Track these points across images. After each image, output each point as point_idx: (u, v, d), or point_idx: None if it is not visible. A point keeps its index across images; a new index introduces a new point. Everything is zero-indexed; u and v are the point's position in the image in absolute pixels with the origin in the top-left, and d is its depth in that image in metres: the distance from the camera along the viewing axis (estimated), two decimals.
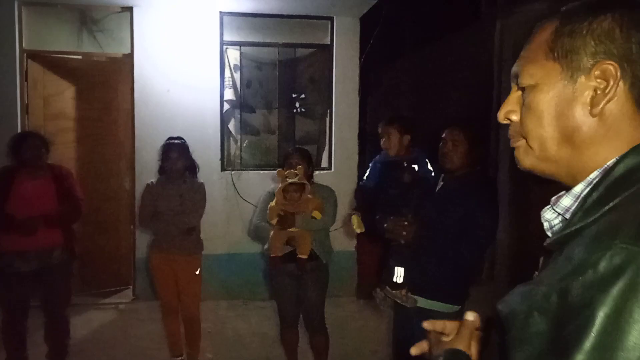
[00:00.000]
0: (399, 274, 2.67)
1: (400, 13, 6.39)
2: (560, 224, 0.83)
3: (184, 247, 3.73)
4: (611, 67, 0.74)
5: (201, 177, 5.25)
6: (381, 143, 2.86)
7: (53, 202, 3.51)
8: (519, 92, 0.85)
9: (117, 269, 5.60)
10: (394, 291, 2.68)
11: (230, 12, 5.27)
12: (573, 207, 0.79)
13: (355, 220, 3.00)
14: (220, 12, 5.23)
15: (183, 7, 5.13)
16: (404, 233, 2.62)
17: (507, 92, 3.42)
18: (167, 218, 3.70)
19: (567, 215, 0.80)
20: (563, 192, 0.84)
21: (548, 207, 0.85)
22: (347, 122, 5.53)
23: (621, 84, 0.75)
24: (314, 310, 3.56)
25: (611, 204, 0.70)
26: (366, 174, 2.95)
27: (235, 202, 5.39)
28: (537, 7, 5.69)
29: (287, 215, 3.33)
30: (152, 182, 3.88)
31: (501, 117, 0.88)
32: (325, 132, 5.64)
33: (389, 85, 8.45)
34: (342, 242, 5.24)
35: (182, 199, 3.72)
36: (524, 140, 0.84)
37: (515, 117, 0.86)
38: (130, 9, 5.15)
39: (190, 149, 3.99)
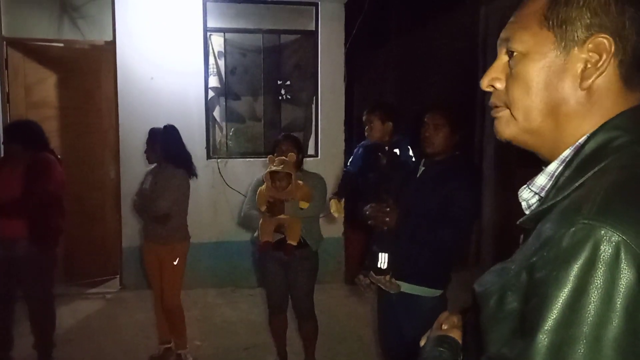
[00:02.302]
0: (382, 260, 2.67)
1: None
2: (537, 203, 0.83)
3: (160, 235, 3.70)
4: (606, 41, 0.74)
5: None
6: (365, 130, 2.87)
7: (17, 192, 3.39)
8: (506, 60, 0.84)
9: (104, 258, 5.58)
10: (378, 277, 2.69)
11: None
12: (548, 186, 0.80)
13: (333, 204, 3.01)
14: None
15: None
16: (386, 219, 2.63)
17: None
18: (140, 204, 3.78)
19: (543, 194, 0.80)
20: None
21: (524, 186, 0.85)
22: (333, 108, 5.52)
23: (612, 59, 0.74)
24: (304, 298, 3.58)
25: (580, 181, 0.71)
26: (350, 160, 2.95)
27: (222, 190, 5.38)
28: None
29: (276, 202, 3.33)
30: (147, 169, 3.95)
31: (484, 84, 0.86)
32: (311, 119, 5.63)
33: (374, 72, 8.44)
34: (329, 229, 5.25)
35: (155, 186, 3.70)
36: (507, 110, 0.83)
37: (499, 85, 0.84)
38: None
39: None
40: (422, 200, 2.65)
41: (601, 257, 0.61)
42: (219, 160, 5.39)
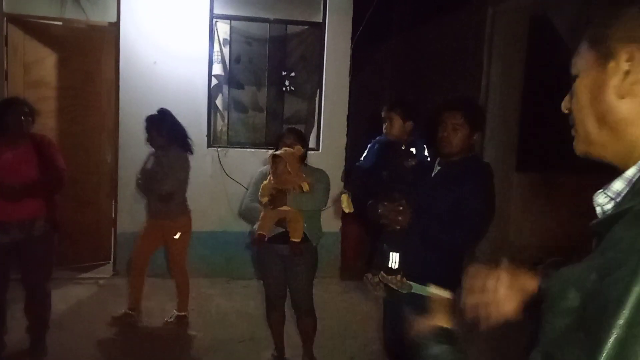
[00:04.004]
0: (394, 260, 2.64)
1: None
2: (611, 208, 0.84)
3: (167, 212, 4.11)
4: (637, 50, 0.78)
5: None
6: (383, 127, 2.82)
7: (34, 171, 3.38)
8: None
9: (96, 243, 5.49)
10: (389, 277, 2.65)
11: None
12: (625, 191, 0.81)
13: (345, 199, 2.96)
14: None
15: None
16: (399, 219, 2.59)
17: (497, 78, 3.42)
18: (145, 184, 4.17)
19: (619, 200, 0.82)
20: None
21: (600, 191, 0.87)
22: (336, 102, 5.46)
23: None
24: (303, 293, 3.54)
25: None
26: (364, 154, 2.90)
27: (221, 179, 5.31)
28: None
29: (279, 194, 3.28)
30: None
31: (563, 107, 0.95)
32: (314, 112, 5.57)
33: (380, 67, 8.39)
34: (326, 224, 5.20)
35: (160, 167, 4.06)
36: (575, 128, 0.90)
37: (566, 108, 0.93)
38: None
39: None
40: (436, 201, 2.62)
41: None
42: (219, 149, 5.31)
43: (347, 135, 5.54)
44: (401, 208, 2.58)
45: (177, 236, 4.21)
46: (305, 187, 3.28)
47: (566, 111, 0.94)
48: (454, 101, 2.84)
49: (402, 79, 7.91)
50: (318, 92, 5.51)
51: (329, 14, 5.37)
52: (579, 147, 0.91)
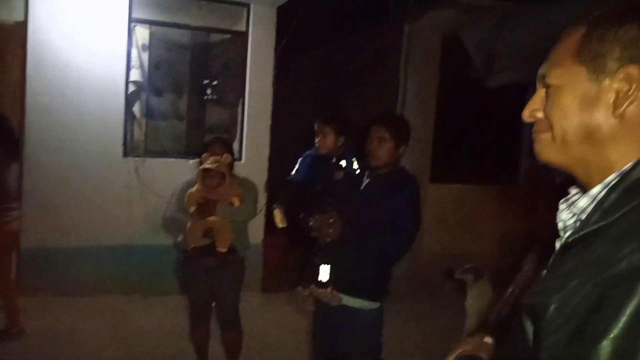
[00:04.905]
0: (324, 273, 2.65)
1: (317, 7, 6.39)
2: (575, 224, 0.87)
3: None
4: (635, 72, 0.79)
5: (101, 163, 4.93)
6: (315, 141, 2.83)
7: None
8: (544, 93, 0.90)
9: None
10: (319, 290, 2.66)
11: None
12: (589, 208, 0.83)
13: (277, 214, 2.94)
14: None
15: None
16: (330, 231, 2.62)
17: (412, 93, 3.58)
18: None
19: (583, 216, 0.84)
20: (572, 195, 0.91)
21: (564, 208, 0.90)
22: (260, 112, 5.42)
23: None
24: (229, 306, 3.46)
25: (631, 205, 0.76)
26: (295, 168, 2.89)
27: (138, 190, 5.08)
28: (444, 14, 5.98)
29: (207, 203, 3.19)
30: None
31: (526, 115, 0.93)
32: (237, 122, 5.50)
33: (302, 78, 8.45)
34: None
35: None
36: (549, 133, 0.88)
37: (540, 115, 0.90)
38: None
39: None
40: (367, 212, 2.66)
41: None
42: (136, 159, 5.08)
43: (270, 145, 5.51)
44: (331, 220, 2.61)
45: None
46: (236, 202, 3.23)
47: (531, 119, 0.93)
48: (380, 116, 2.91)
49: (323, 91, 8.02)
50: (241, 102, 5.45)
51: (252, 23, 5.34)
52: (547, 153, 0.90)
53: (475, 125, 6.56)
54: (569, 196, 0.91)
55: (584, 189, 0.88)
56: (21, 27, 4.71)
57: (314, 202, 2.74)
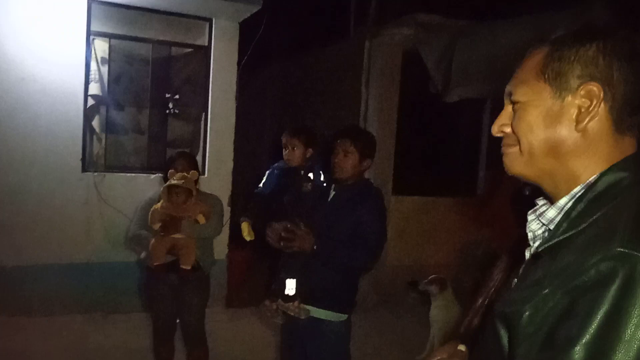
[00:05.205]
0: (290, 287, 2.65)
1: (280, 23, 6.44)
2: (544, 234, 0.91)
3: None
4: (595, 88, 0.84)
5: (59, 178, 4.80)
6: (284, 153, 2.85)
7: None
8: (510, 109, 0.95)
9: None
10: (286, 304, 2.67)
11: (101, 1, 4.85)
12: (557, 219, 0.88)
13: (245, 227, 2.93)
14: None
15: None
16: (297, 242, 2.63)
17: (374, 107, 3.73)
18: None
19: (551, 226, 0.88)
20: (539, 205, 0.94)
21: (532, 218, 0.94)
22: (222, 126, 5.40)
23: (603, 104, 0.85)
24: (195, 323, 3.41)
25: (596, 215, 0.80)
26: (262, 181, 2.90)
27: (97, 206, 4.95)
28: (404, 32, 6.13)
29: (172, 220, 3.15)
30: None
31: (495, 130, 0.97)
32: (199, 136, 5.45)
33: (264, 92, 8.46)
34: None
35: None
36: (517, 147, 0.93)
37: (508, 130, 0.95)
38: None
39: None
40: (333, 224, 2.69)
41: (638, 278, 0.70)
42: (95, 174, 4.96)
43: (233, 159, 5.49)
44: (302, 232, 2.62)
45: None
46: (202, 220, 3.21)
47: (500, 134, 0.97)
48: (345, 129, 2.96)
49: (285, 105, 8.05)
50: (203, 116, 5.41)
51: (215, 37, 5.33)
52: (515, 166, 0.94)
53: (435, 138, 6.72)
54: (536, 207, 0.95)
55: (552, 200, 0.92)
56: None
57: (282, 214, 2.74)
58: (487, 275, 1.65)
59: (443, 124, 6.65)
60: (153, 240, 3.20)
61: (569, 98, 0.86)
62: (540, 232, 0.92)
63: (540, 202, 0.95)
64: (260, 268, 5.60)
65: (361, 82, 6.40)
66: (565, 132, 0.87)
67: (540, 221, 0.92)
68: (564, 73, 0.87)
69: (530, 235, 0.93)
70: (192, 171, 3.22)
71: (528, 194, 1.05)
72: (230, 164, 5.45)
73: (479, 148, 6.99)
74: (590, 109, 0.85)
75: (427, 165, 6.69)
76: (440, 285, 4.27)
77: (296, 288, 2.66)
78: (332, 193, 2.84)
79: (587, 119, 0.85)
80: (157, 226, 3.17)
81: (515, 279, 0.97)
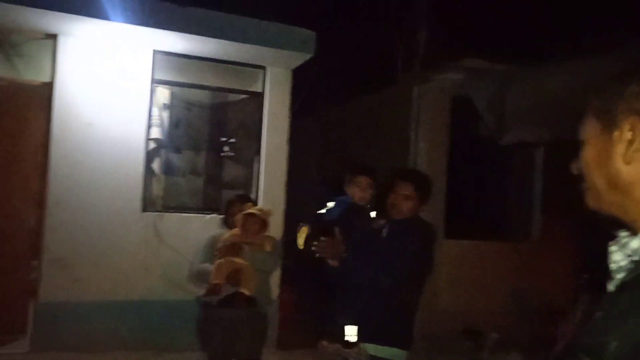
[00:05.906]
0: (350, 333, 2.65)
1: (330, 69, 6.65)
2: (628, 265, 0.91)
3: None
4: (638, 121, 0.88)
5: (120, 217, 5.00)
6: (352, 191, 2.93)
7: None
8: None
9: (11, 315, 5.00)
10: (347, 350, 2.66)
11: (164, 52, 5.17)
12: None
13: (304, 232, 2.92)
14: (154, 50, 5.11)
15: (115, 41, 4.96)
16: (333, 250, 2.65)
17: (423, 151, 3.79)
18: None
19: (636, 257, 0.89)
20: (622, 236, 0.94)
21: (615, 249, 0.94)
22: (275, 169, 5.54)
23: None
24: None
25: None
26: (326, 209, 2.95)
27: (155, 245, 5.11)
28: (452, 77, 6.22)
29: (236, 246, 3.26)
30: None
31: (573, 168, 1.03)
32: (252, 178, 5.60)
33: (315, 136, 8.65)
34: None
35: None
36: (587, 184, 0.97)
37: (577, 169, 1.01)
38: (54, 37, 4.89)
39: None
40: (390, 259, 2.69)
41: None
42: (154, 213, 5.15)
43: (285, 201, 5.58)
44: (333, 239, 2.66)
45: None
46: (268, 247, 3.29)
47: (576, 172, 1.02)
48: (407, 172, 3.01)
49: (332, 149, 8.19)
50: (257, 159, 5.57)
51: (268, 84, 5.55)
52: (590, 203, 0.98)
53: (487, 182, 6.66)
54: (618, 238, 0.95)
55: (634, 231, 0.92)
56: (46, 88, 4.90)
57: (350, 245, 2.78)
58: (569, 316, 1.62)
59: (495, 166, 6.60)
60: (216, 263, 3.28)
61: (617, 133, 0.91)
62: (624, 263, 0.92)
63: (623, 233, 0.95)
64: (311, 309, 5.57)
65: (410, 126, 6.47)
66: (617, 166, 0.91)
67: (624, 252, 0.92)
68: (609, 110, 0.92)
69: (613, 266, 0.93)
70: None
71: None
72: (282, 205, 5.54)
73: (533, 191, 6.87)
74: (636, 140, 0.88)
75: (479, 209, 6.61)
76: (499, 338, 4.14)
77: (357, 334, 2.65)
78: (385, 230, 2.86)
79: (632, 150, 0.89)
80: (221, 246, 3.27)
81: (599, 312, 0.97)
